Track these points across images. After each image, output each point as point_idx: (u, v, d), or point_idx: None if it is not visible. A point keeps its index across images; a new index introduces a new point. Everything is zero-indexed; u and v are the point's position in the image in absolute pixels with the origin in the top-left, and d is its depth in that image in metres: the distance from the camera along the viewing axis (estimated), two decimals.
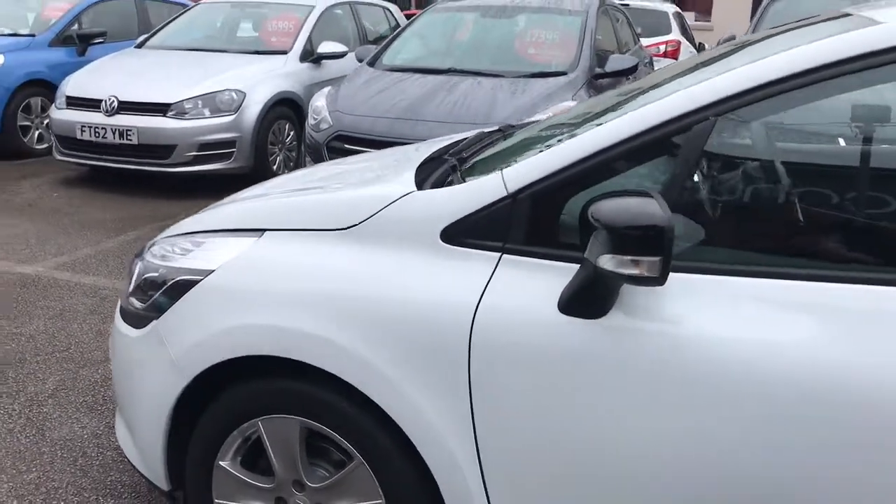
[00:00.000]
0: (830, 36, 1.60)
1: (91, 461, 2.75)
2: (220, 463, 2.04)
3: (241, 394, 1.97)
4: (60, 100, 6.63)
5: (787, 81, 1.56)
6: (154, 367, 2.05)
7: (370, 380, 1.79)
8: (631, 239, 1.44)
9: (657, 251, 1.42)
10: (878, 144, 1.83)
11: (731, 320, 1.55)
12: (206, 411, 2.02)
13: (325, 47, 7.17)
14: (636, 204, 1.45)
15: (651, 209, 1.43)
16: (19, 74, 7.57)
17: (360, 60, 6.32)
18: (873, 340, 1.47)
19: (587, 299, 1.60)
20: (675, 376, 1.57)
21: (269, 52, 7.15)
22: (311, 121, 5.55)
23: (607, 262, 1.47)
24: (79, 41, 8.13)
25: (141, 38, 7.77)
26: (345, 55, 7.22)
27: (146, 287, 2.12)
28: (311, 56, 7.22)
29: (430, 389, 1.76)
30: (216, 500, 2.08)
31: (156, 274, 2.11)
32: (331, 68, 7.30)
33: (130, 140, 6.20)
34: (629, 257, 1.45)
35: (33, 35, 8.05)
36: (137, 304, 2.14)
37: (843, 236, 1.68)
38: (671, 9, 13.08)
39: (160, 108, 6.20)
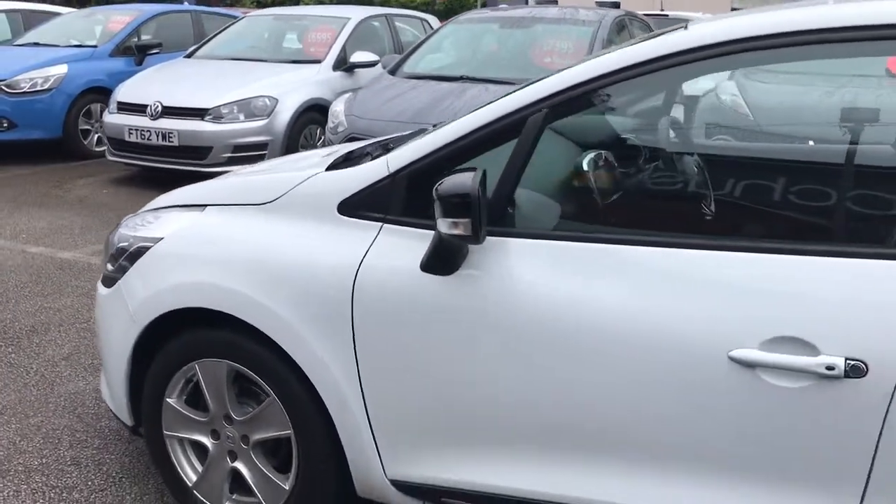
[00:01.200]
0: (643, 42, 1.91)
1: (87, 410, 3.19)
2: (167, 400, 2.44)
3: (182, 341, 2.36)
4: (112, 105, 7.24)
5: (595, 81, 1.88)
6: (117, 319, 2.46)
7: (278, 329, 2.16)
8: (449, 205, 1.77)
9: (467, 214, 1.75)
10: (663, 133, 2.12)
11: (553, 276, 1.86)
12: (156, 356, 2.42)
13: (357, 57, 7.60)
14: (455, 178, 1.78)
15: (463, 181, 1.76)
16: (80, 82, 8.24)
17: (384, 68, 6.73)
18: (657, 295, 1.76)
19: (438, 259, 1.93)
20: (505, 323, 1.89)
21: (305, 62, 7.63)
22: (329, 123, 5.98)
23: (441, 225, 1.81)
24: (137, 52, 8.77)
25: (191, 49, 8.36)
26: (376, 64, 7.63)
27: (117, 254, 2.54)
28: (343, 65, 7.66)
29: (324, 338, 2.11)
30: (165, 432, 2.47)
31: (125, 243, 2.52)
32: (363, 77, 7.73)
33: (172, 142, 6.74)
34: (450, 220, 1.78)
35: (95, 46, 8.73)
36: (110, 267, 2.56)
37: (638, 207, 1.98)
38: (707, 19, 13.13)
39: (199, 113, 6.73)
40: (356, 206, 2.12)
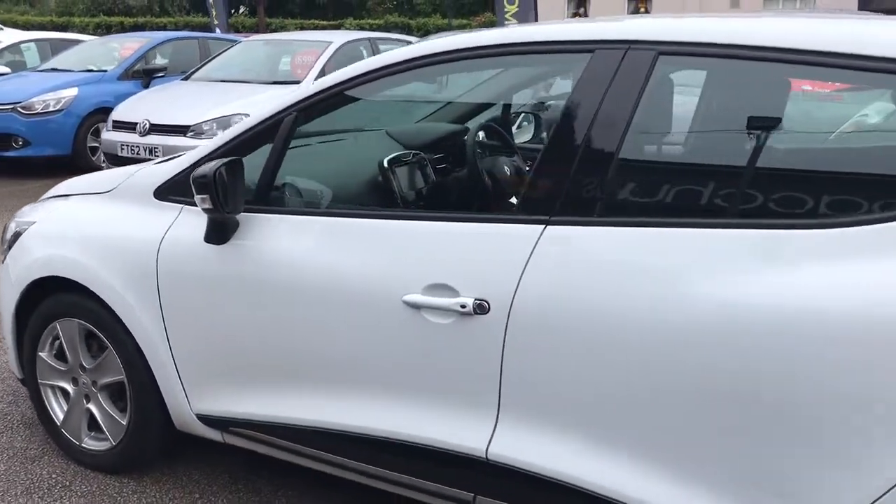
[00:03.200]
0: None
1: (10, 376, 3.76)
2: (40, 354, 2.99)
3: (47, 304, 2.91)
4: (109, 123, 7.95)
5: (328, 90, 2.39)
6: (7, 289, 3.02)
7: (108, 292, 2.69)
8: (198, 185, 2.29)
9: (206, 192, 2.27)
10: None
11: (290, 243, 2.36)
12: (31, 318, 2.98)
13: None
14: (204, 166, 2.30)
15: (207, 168, 2.27)
16: (89, 104, 9.00)
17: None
18: (355, 254, 2.25)
19: (212, 231, 2.45)
20: (258, 282, 2.39)
21: (287, 83, 8.24)
22: None
23: (198, 201, 2.33)
24: (144, 75, 9.52)
25: (188, 72, 9.07)
26: None
27: (12, 237, 3.11)
28: None
29: (140, 299, 2.64)
30: (39, 380, 3.03)
31: (15, 227, 3.09)
32: None
33: (157, 156, 7.40)
34: (200, 196, 2.30)
35: (105, 70, 9.51)
36: (6, 248, 3.14)
37: (354, 188, 2.48)
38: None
39: (182, 130, 7.38)
40: (166, 191, 2.66)
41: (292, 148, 2.46)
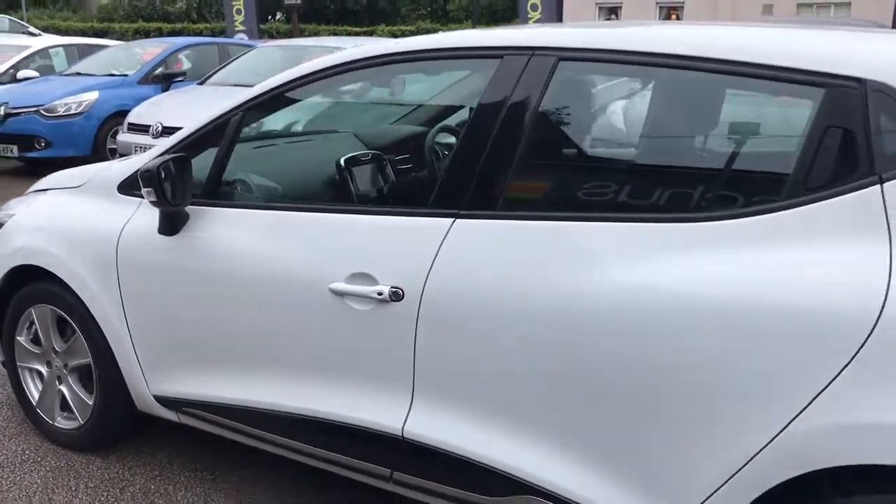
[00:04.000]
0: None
1: None
2: (18, 338, 3.20)
3: (24, 291, 3.11)
4: (125, 126, 8.24)
5: (268, 93, 2.56)
6: None
7: (75, 280, 2.88)
8: (143, 180, 2.47)
9: (151, 186, 2.45)
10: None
11: (229, 234, 2.53)
12: (11, 303, 3.18)
13: None
14: (151, 162, 2.48)
15: (153, 164, 2.45)
16: (109, 107, 9.31)
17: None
18: (288, 245, 2.41)
19: (164, 223, 2.63)
20: (201, 271, 2.56)
21: None
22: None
23: (145, 195, 2.51)
24: (163, 79, 9.82)
25: (204, 77, 9.33)
26: None
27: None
28: None
29: (103, 287, 2.83)
30: (18, 363, 3.23)
31: (2, 219, 3.30)
32: None
33: None
34: (146, 189, 2.48)
35: (126, 75, 9.83)
36: None
37: (292, 184, 2.64)
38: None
39: None
40: (129, 186, 2.84)
41: (243, 143, 2.64)
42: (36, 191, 3.32)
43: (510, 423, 2.11)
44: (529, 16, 17.32)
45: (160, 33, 29.91)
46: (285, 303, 2.42)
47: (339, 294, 2.30)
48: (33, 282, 3.08)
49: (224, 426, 2.71)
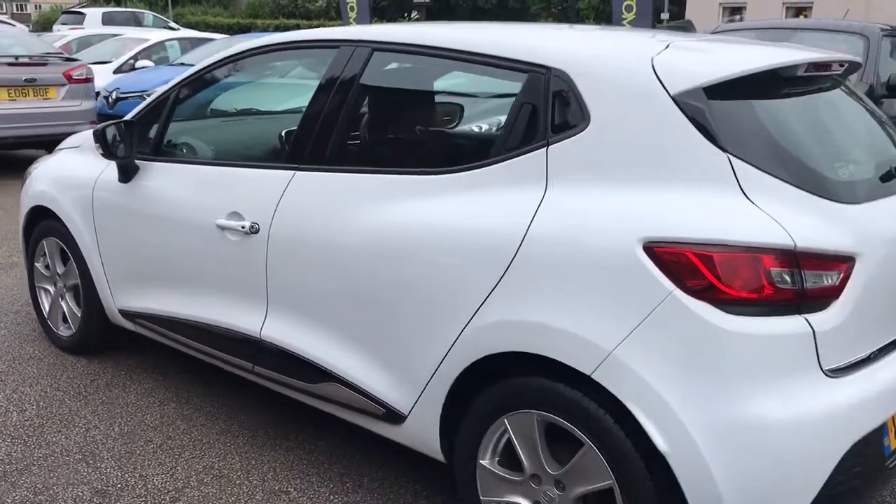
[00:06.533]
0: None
1: None
2: (35, 264, 4.09)
3: (39, 226, 4.00)
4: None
5: (196, 74, 3.31)
6: (20, 214, 4.16)
7: (66, 218, 3.73)
8: (95, 138, 3.28)
9: (98, 142, 3.24)
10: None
11: (157, 182, 3.30)
12: (31, 236, 4.08)
13: None
14: (104, 125, 3.27)
15: (100, 126, 3.24)
16: None
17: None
18: (191, 190, 3.15)
19: (120, 173, 3.43)
20: (141, 211, 3.35)
21: None
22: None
23: (96, 149, 3.32)
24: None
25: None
26: None
27: (27, 178, 4.24)
28: None
29: (84, 222, 3.67)
30: (35, 284, 4.13)
31: (30, 170, 4.22)
32: None
33: None
34: (96, 145, 3.28)
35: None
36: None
37: (218, 144, 3.37)
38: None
39: None
40: None
41: (177, 113, 3.41)
42: (59, 149, 4.22)
43: (322, 328, 2.77)
44: (623, 17, 17.57)
45: (297, 28, 31.67)
46: (188, 235, 3.16)
47: (222, 228, 3.01)
48: (45, 219, 3.97)
49: (157, 332, 3.49)
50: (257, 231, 2.89)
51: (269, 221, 2.87)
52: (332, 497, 2.85)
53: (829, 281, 2.03)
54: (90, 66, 9.84)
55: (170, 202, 3.25)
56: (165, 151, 3.47)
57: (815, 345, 1.99)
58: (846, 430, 2.04)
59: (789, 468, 1.97)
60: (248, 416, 3.41)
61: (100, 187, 3.57)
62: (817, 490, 1.99)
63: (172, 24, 25.22)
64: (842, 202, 2.13)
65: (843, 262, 2.05)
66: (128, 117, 3.53)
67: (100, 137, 3.27)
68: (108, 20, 22.89)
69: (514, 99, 2.42)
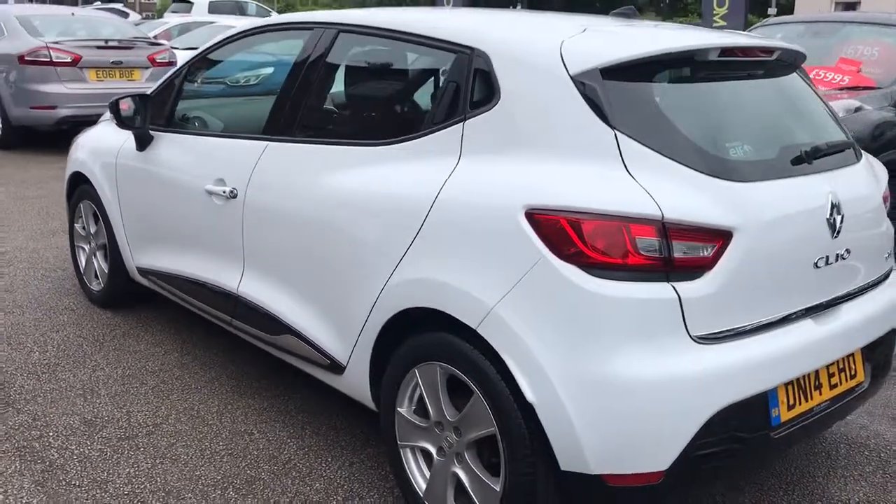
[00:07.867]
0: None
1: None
2: (75, 225, 4.53)
3: (78, 190, 4.43)
4: None
5: (201, 54, 3.63)
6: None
7: (96, 182, 4.14)
8: (109, 108, 3.64)
9: (112, 112, 3.61)
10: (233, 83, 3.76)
11: (167, 152, 3.64)
12: (72, 200, 4.52)
13: None
14: (120, 97, 3.64)
15: (114, 99, 3.60)
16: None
17: None
18: (193, 158, 3.47)
19: (137, 142, 3.80)
20: (155, 177, 3.70)
21: None
22: None
23: (111, 119, 3.69)
24: None
25: None
26: None
27: (71, 146, 4.68)
28: None
29: (110, 186, 4.06)
30: (74, 244, 4.57)
31: (77, 139, 4.66)
32: None
33: None
34: (111, 116, 3.65)
35: None
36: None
37: (218, 118, 3.68)
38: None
39: None
40: None
41: (186, 89, 3.75)
42: (100, 121, 4.65)
43: (282, 284, 3.04)
44: (715, 11, 17.22)
45: None
46: (184, 199, 3.49)
47: (209, 193, 3.32)
48: (82, 184, 4.40)
49: (163, 288, 3.84)
50: (236, 196, 3.18)
51: (244, 187, 3.15)
52: (289, 441, 3.12)
53: (703, 253, 2.15)
54: (174, 50, 10.45)
55: (172, 168, 3.58)
56: (174, 123, 3.80)
57: (682, 311, 2.12)
58: (714, 392, 2.15)
59: (649, 424, 2.10)
60: (237, 367, 3.72)
61: (122, 155, 3.95)
62: (682, 446, 2.12)
63: (274, 14, 26.19)
64: (729, 180, 2.24)
65: (718, 236, 2.16)
66: (150, 90, 3.89)
67: (113, 108, 3.64)
68: (213, 9, 23.94)
69: (443, 77, 2.62)
